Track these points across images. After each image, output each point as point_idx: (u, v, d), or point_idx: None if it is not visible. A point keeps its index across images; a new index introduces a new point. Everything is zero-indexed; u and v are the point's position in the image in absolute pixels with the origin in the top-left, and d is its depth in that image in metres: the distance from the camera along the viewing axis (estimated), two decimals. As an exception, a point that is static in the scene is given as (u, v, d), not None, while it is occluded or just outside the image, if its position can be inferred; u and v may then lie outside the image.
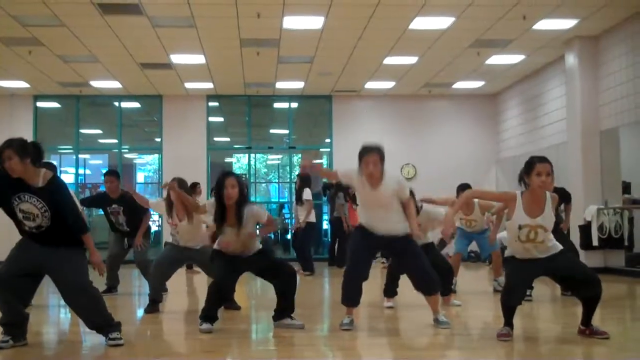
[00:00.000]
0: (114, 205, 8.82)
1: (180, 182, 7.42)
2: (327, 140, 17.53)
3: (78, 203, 6.30)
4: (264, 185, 27.36)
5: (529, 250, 5.37)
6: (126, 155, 21.75)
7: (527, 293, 7.40)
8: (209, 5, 10.44)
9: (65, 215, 5.19)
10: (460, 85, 16.10)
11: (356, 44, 12.49)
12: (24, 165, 5.09)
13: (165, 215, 7.57)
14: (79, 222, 5.30)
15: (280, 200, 23.90)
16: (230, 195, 5.95)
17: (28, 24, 11.16)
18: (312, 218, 12.72)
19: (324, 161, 19.50)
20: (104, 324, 5.33)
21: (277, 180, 26.56)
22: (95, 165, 22.52)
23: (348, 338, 5.77)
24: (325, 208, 16.88)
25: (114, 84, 15.67)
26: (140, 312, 7.93)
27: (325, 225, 17.28)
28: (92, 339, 5.52)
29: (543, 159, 5.34)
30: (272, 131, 20.55)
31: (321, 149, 19.77)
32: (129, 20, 11.02)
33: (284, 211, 20.74)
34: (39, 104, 16.88)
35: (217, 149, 19.39)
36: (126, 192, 8.90)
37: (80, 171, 18.74)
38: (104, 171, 9.87)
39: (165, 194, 7.64)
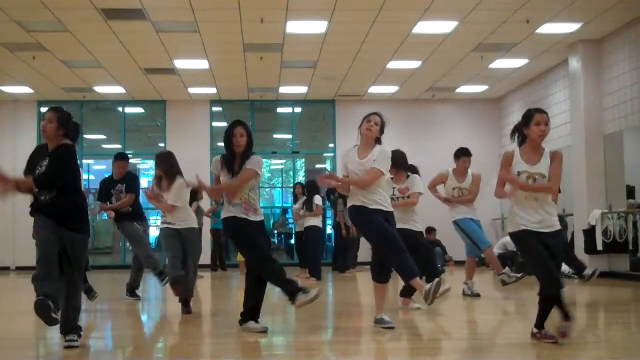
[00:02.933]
0: (118, 185, 8.98)
1: (168, 156, 7.78)
2: (331, 145, 17.53)
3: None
4: (267, 190, 27.33)
5: (532, 205, 5.24)
6: (130, 161, 21.75)
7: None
8: (212, 10, 10.46)
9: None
10: (463, 89, 16.10)
11: (359, 49, 12.50)
12: (57, 132, 5.30)
13: (155, 189, 7.64)
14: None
15: (284, 205, 23.88)
16: (239, 143, 6.11)
17: (32, 30, 11.19)
18: (319, 223, 12.75)
19: (327, 165, 19.49)
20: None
21: (280, 185, 26.53)
22: (99, 170, 22.47)
23: (354, 343, 5.76)
24: (329, 213, 16.87)
25: (117, 89, 15.70)
26: (144, 317, 7.94)
27: (329, 229, 17.27)
28: (96, 344, 5.51)
29: (540, 110, 5.38)
30: (275, 136, 20.55)
31: (325, 154, 19.75)
32: (132, 25, 11.04)
33: (287, 216, 20.71)
34: (43, 109, 16.88)
35: (221, 154, 19.35)
36: (129, 172, 9.29)
37: (84, 176, 18.75)
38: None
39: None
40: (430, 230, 14.85)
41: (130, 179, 9.09)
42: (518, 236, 5.32)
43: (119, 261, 17.18)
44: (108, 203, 8.94)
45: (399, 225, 7.14)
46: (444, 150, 17.01)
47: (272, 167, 27.63)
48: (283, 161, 25.44)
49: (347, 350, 5.52)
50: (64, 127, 5.33)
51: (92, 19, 10.64)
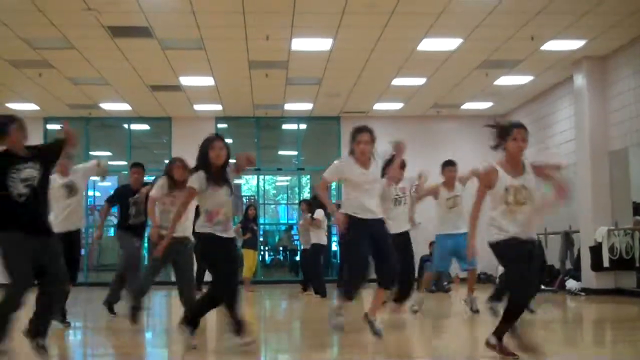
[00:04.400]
0: (136, 195, 8.66)
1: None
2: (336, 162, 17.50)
3: None
4: (272, 206, 27.33)
5: (515, 219, 5.10)
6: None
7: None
8: (218, 28, 10.51)
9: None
10: (468, 106, 16.11)
11: (364, 65, 12.53)
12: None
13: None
14: None
15: (289, 221, 23.87)
16: (220, 156, 5.83)
17: (38, 47, 11.25)
18: (323, 240, 12.71)
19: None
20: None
21: (285, 202, 26.54)
22: (104, 187, 22.53)
23: (358, 358, 5.72)
24: (335, 229, 16.83)
25: (123, 106, 15.76)
26: (149, 333, 7.91)
27: (335, 246, 17.24)
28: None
29: (520, 125, 5.31)
30: (280, 153, 20.56)
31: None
32: (138, 42, 11.10)
33: (292, 232, 20.71)
34: (49, 126, 16.95)
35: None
36: (147, 182, 8.89)
37: (90, 193, 18.76)
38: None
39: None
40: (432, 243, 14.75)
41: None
42: (505, 244, 5.10)
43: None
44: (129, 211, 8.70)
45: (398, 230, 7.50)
46: (449, 167, 17.06)
47: (278, 183, 27.65)
48: (288, 178, 25.45)
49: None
50: None
51: (98, 37, 10.69)
